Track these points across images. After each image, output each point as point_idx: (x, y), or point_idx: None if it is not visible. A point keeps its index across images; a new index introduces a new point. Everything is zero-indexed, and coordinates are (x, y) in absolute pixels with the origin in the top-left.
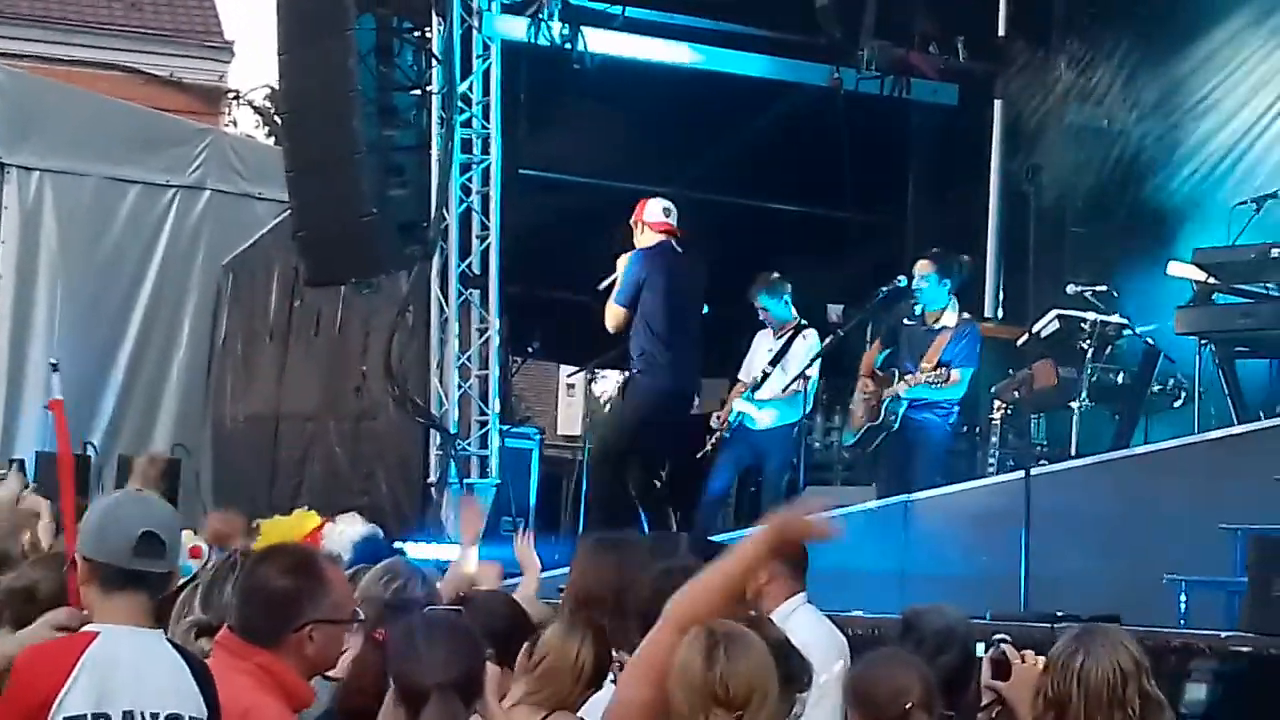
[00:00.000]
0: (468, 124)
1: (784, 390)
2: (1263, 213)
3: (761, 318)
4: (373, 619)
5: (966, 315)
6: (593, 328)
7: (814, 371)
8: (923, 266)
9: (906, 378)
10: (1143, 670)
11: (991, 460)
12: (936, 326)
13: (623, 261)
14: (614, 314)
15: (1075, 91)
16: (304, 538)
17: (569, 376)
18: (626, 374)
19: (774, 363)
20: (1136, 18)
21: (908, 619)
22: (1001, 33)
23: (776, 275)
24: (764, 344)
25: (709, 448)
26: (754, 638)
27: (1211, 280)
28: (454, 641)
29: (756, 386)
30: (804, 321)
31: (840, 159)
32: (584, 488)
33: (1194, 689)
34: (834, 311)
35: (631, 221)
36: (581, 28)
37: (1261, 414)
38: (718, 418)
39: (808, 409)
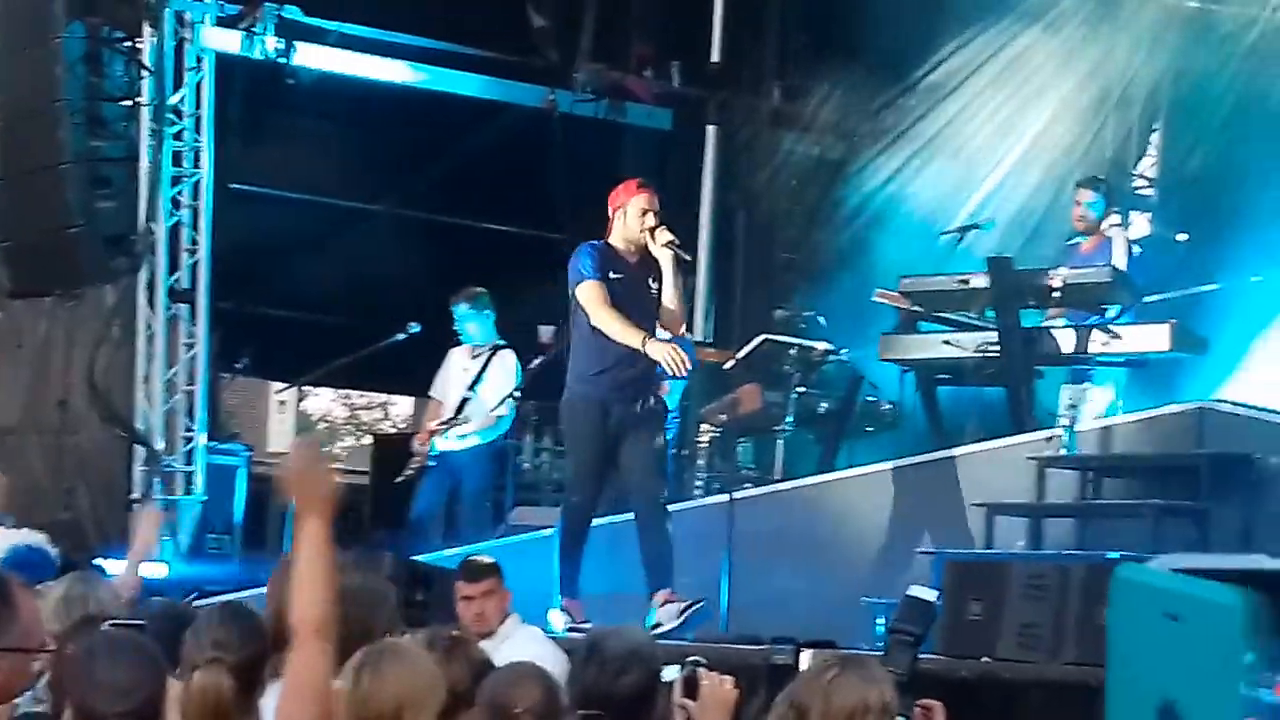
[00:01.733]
0: (179, 137)
1: (490, 414)
2: (965, 242)
3: (468, 333)
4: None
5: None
6: (304, 344)
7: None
8: None
9: None
10: (888, 713)
11: (698, 483)
12: None
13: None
14: None
15: (789, 119)
16: None
17: (279, 393)
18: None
19: (472, 386)
20: (851, 49)
21: (592, 640)
22: (716, 59)
23: (481, 290)
24: (459, 363)
25: (410, 472)
26: (413, 655)
27: (915, 308)
28: (136, 665)
29: (457, 412)
30: (502, 342)
31: (554, 180)
32: (290, 504)
33: None
34: (545, 333)
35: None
36: (295, 43)
37: (960, 440)
38: (420, 441)
39: (503, 430)
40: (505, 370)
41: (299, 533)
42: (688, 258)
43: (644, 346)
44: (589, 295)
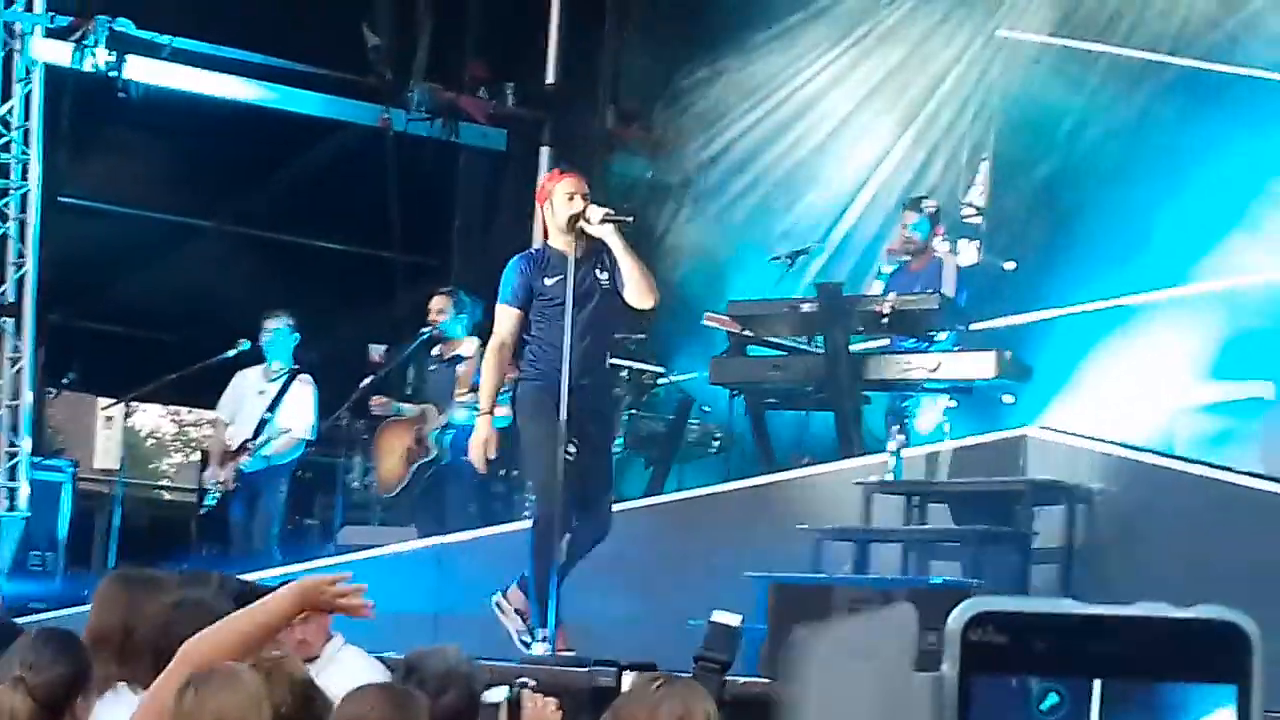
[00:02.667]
0: (7, 148)
1: (292, 436)
2: (796, 267)
3: (277, 351)
4: None
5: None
6: (132, 359)
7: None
8: (440, 302)
9: (457, 400)
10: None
11: (527, 503)
12: (453, 356)
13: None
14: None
15: (623, 141)
16: None
17: (106, 409)
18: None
19: (271, 409)
20: (683, 73)
21: (410, 661)
22: (550, 80)
23: (286, 315)
24: (253, 385)
25: (213, 502)
26: (240, 676)
27: (745, 332)
28: None
29: (255, 435)
30: (297, 366)
31: (388, 199)
32: (117, 521)
33: None
34: (376, 351)
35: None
36: (127, 56)
37: (789, 464)
38: (217, 481)
39: (300, 453)
40: (305, 395)
41: (275, 606)
42: (629, 219)
43: (480, 416)
44: (496, 323)
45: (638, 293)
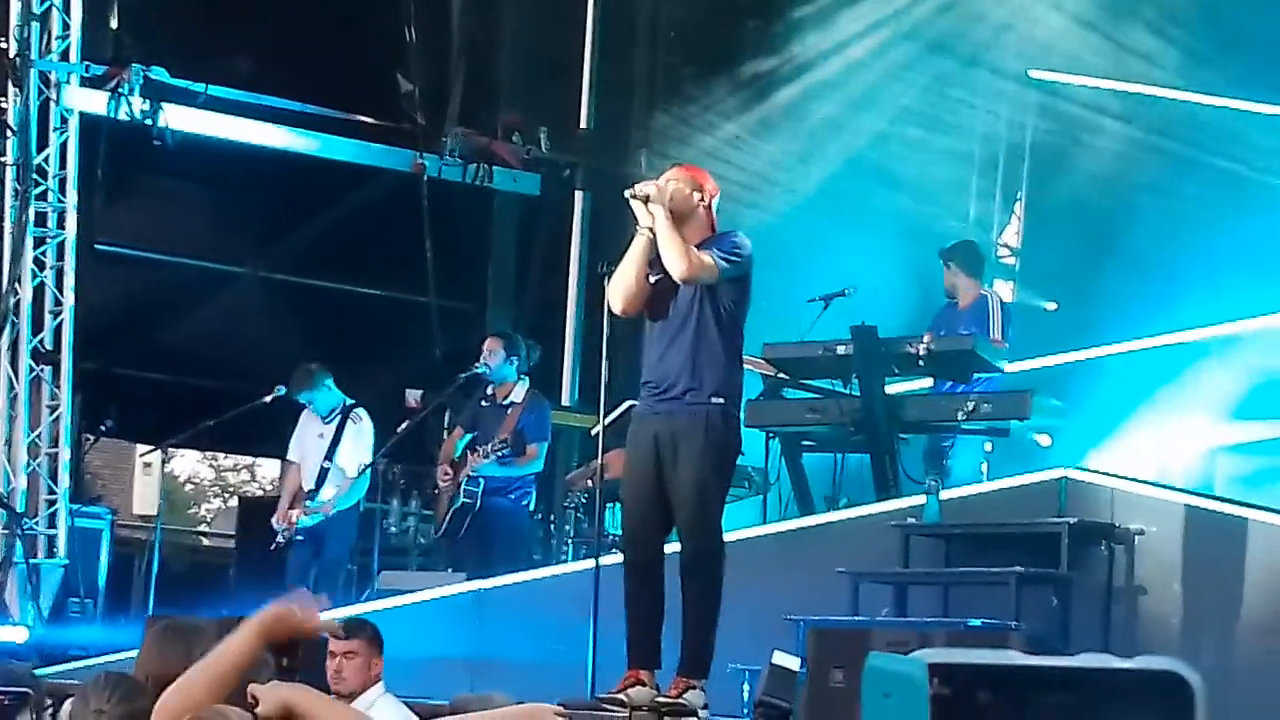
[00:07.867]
0: (43, 197)
1: (346, 479)
2: (830, 310)
3: (317, 408)
4: None
5: (535, 391)
6: (169, 406)
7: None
8: (491, 344)
9: (478, 449)
10: None
11: (565, 547)
12: (506, 403)
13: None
14: (707, 268)
15: None
16: None
17: (144, 455)
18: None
19: (330, 455)
20: (714, 117)
21: (455, 706)
22: (584, 125)
23: (312, 367)
24: (314, 429)
25: (280, 543)
26: (228, 716)
27: (780, 375)
28: None
29: (317, 485)
30: (350, 401)
31: (422, 244)
32: (155, 568)
33: None
34: (412, 396)
35: (697, 183)
36: (163, 104)
37: (825, 506)
38: (282, 521)
39: (362, 493)
40: (361, 431)
41: (236, 640)
42: (629, 190)
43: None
44: None
45: (667, 263)
